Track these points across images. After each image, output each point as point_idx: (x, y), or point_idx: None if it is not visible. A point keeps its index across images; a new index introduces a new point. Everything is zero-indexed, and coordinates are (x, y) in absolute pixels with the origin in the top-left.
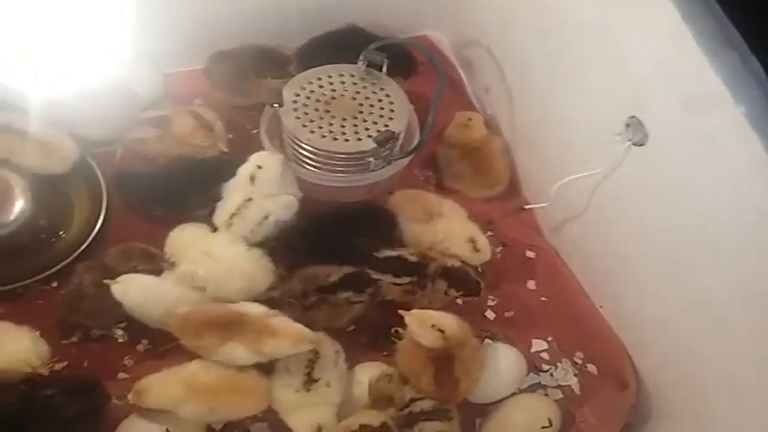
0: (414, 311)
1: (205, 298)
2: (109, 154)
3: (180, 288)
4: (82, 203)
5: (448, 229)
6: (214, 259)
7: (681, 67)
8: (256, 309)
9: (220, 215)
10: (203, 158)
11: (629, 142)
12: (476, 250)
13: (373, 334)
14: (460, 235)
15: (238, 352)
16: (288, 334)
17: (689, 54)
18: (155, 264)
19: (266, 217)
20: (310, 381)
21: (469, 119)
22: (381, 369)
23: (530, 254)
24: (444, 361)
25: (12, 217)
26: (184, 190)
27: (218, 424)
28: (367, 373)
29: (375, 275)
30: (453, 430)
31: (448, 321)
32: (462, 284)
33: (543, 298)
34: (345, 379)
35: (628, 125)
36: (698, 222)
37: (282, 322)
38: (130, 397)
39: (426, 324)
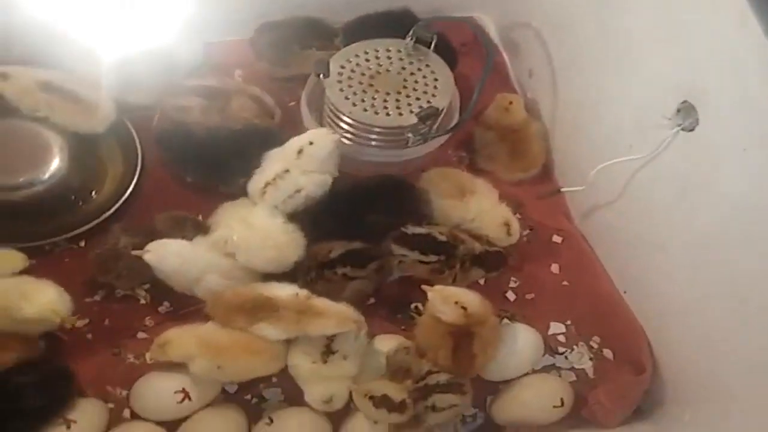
0: (437, 287)
1: (235, 266)
2: (147, 118)
3: (211, 255)
4: (115, 165)
5: (480, 208)
6: (249, 227)
7: (742, 54)
8: (289, 290)
9: (256, 183)
10: (242, 129)
11: (678, 127)
12: (509, 234)
13: (392, 309)
14: (493, 216)
15: (269, 331)
16: (333, 314)
17: (752, 42)
18: (201, 230)
19: (298, 191)
20: (328, 353)
21: (510, 102)
22: (399, 342)
23: (557, 239)
24: (463, 337)
25: (47, 174)
26: (220, 159)
27: (232, 387)
28: (386, 345)
29: (401, 251)
30: (465, 404)
31: (471, 298)
32: (490, 264)
33: (565, 282)
34: (363, 353)
35: (679, 110)
36: (737, 209)
37: (325, 302)
38: (151, 350)
39: (449, 300)
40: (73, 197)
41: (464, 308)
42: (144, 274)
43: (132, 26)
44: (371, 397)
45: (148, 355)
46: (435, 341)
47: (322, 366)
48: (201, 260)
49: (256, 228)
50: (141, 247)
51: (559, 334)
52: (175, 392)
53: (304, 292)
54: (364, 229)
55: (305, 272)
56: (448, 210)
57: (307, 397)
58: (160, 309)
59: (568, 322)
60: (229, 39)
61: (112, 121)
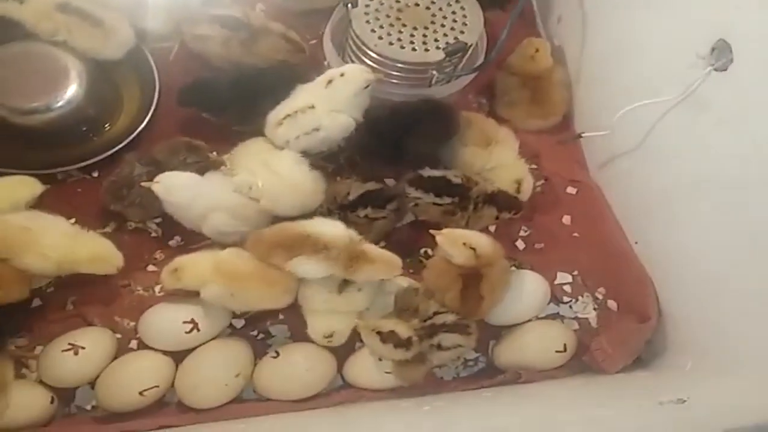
0: (446, 230)
1: (245, 206)
2: (167, 49)
3: (221, 191)
4: (132, 96)
5: (500, 160)
6: (275, 174)
7: None
8: (338, 230)
9: (276, 114)
10: (268, 68)
11: (711, 67)
12: (518, 192)
13: (402, 253)
14: (510, 171)
15: (309, 267)
16: (383, 261)
17: None
18: (201, 156)
19: (316, 130)
20: (345, 284)
21: (537, 49)
22: (408, 282)
23: (571, 190)
24: (472, 279)
25: (63, 101)
26: (240, 96)
27: (239, 322)
28: (395, 285)
29: (416, 193)
30: (470, 345)
31: (481, 240)
32: (505, 205)
33: (575, 234)
34: (374, 289)
35: (713, 49)
36: (761, 152)
37: (374, 249)
38: (162, 277)
39: (458, 242)
40: (87, 126)
41: (473, 249)
42: (156, 207)
43: None
44: (379, 332)
45: (157, 287)
46: (444, 283)
47: (336, 297)
48: (210, 196)
49: (282, 176)
50: (153, 177)
51: (565, 284)
52: (184, 322)
53: (356, 236)
54: (406, 152)
55: (326, 214)
56: (470, 157)
57: (310, 330)
58: (171, 243)
59: (575, 273)
60: None
61: (130, 47)
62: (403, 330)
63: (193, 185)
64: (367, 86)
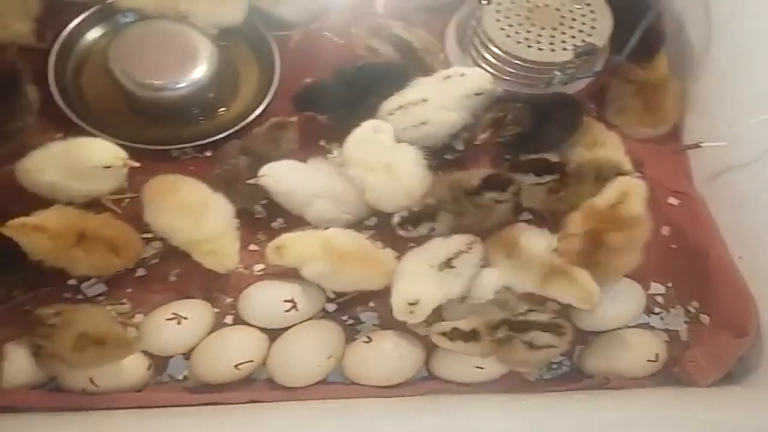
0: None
1: (347, 192)
2: (287, 38)
3: (325, 178)
4: (250, 81)
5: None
6: (390, 171)
7: None
8: (543, 242)
9: (389, 104)
10: (379, 63)
11: None
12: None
13: None
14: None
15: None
16: (581, 288)
17: None
18: (291, 133)
19: (424, 123)
20: (446, 265)
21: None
22: (506, 278)
23: (673, 201)
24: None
25: (189, 81)
26: (355, 94)
27: (331, 306)
28: (493, 277)
29: (517, 176)
30: (562, 346)
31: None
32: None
33: (672, 245)
34: (471, 281)
35: None
36: None
37: (581, 272)
38: (267, 253)
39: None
40: (205, 107)
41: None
42: (262, 193)
43: None
44: (443, 333)
45: (257, 267)
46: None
47: (436, 272)
48: (313, 183)
49: (396, 175)
50: (259, 165)
51: (657, 294)
52: (284, 301)
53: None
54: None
55: (451, 202)
56: (575, 156)
57: (394, 295)
58: (274, 224)
59: (669, 285)
60: None
61: (245, 13)
62: (464, 324)
63: (296, 173)
64: (480, 93)
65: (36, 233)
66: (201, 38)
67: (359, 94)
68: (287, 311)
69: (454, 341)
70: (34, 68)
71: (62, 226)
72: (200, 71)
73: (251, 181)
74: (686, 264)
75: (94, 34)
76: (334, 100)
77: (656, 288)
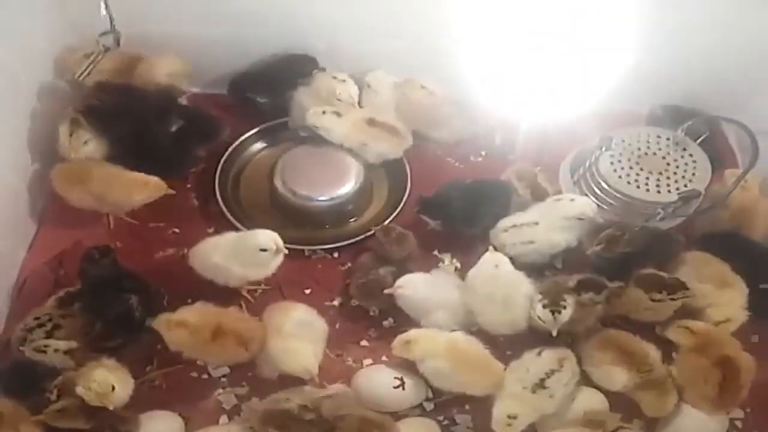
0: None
1: (462, 306)
2: (437, 160)
3: (449, 290)
4: (381, 195)
5: (727, 304)
6: (505, 302)
7: None
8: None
9: (504, 222)
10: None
11: None
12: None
13: None
14: (730, 318)
15: (620, 377)
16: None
17: None
18: (408, 246)
19: (531, 242)
20: (539, 386)
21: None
22: (600, 399)
23: (754, 338)
24: (728, 370)
25: (336, 196)
26: (470, 206)
27: (429, 405)
28: (586, 398)
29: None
30: None
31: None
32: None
33: None
34: (566, 400)
35: None
36: None
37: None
38: (395, 346)
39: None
40: (341, 217)
41: (692, 332)
42: (385, 298)
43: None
44: None
45: (366, 361)
46: (700, 375)
47: (528, 394)
48: (439, 295)
49: (511, 308)
50: (397, 275)
51: (737, 419)
52: (395, 377)
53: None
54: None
55: (552, 298)
56: (698, 292)
57: (495, 410)
58: (385, 323)
59: (748, 410)
60: None
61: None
62: None
63: (426, 286)
64: (582, 219)
65: (178, 329)
66: (353, 162)
67: (472, 206)
68: (396, 387)
69: None
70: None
71: (201, 322)
72: (346, 188)
73: (388, 291)
74: (766, 392)
75: (258, 145)
76: (452, 210)
77: (736, 412)
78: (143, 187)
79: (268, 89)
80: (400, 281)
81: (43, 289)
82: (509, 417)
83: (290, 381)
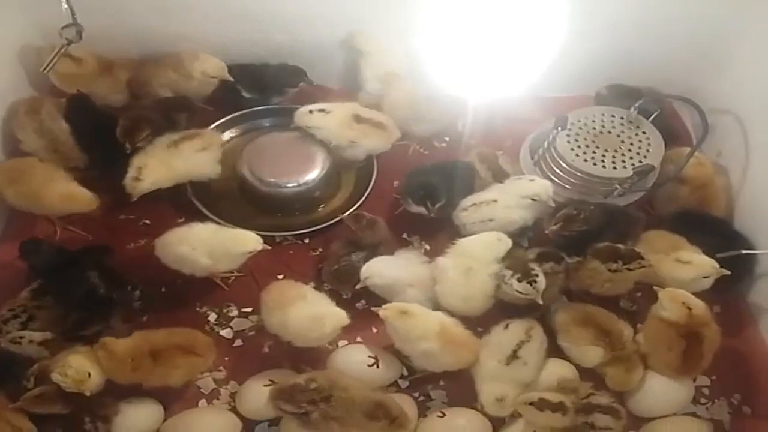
0: (668, 289)
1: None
2: (402, 146)
3: (416, 268)
4: (348, 183)
5: (683, 277)
6: (468, 274)
7: None
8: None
9: (466, 201)
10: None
11: None
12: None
13: None
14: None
15: (593, 354)
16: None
17: None
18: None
19: (490, 220)
20: (513, 357)
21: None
22: (569, 369)
23: (716, 309)
24: (692, 339)
25: (303, 182)
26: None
27: (404, 383)
28: (557, 367)
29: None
30: (617, 429)
31: (698, 301)
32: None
33: None
34: (540, 365)
35: None
36: None
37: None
38: (388, 315)
39: (677, 300)
40: (309, 203)
41: (689, 309)
42: (355, 280)
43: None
44: (531, 404)
45: (341, 342)
46: (664, 342)
47: (504, 367)
48: (407, 275)
49: (470, 279)
50: (368, 258)
51: (703, 386)
52: (369, 356)
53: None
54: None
55: (522, 271)
56: (656, 262)
57: (481, 396)
58: (357, 305)
59: (714, 377)
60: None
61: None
62: (553, 396)
63: (393, 269)
64: (535, 200)
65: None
66: (319, 149)
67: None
68: (370, 366)
69: (543, 411)
70: None
71: (135, 351)
72: (312, 175)
73: (359, 286)
74: (729, 360)
75: (227, 135)
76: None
77: (702, 380)
78: (70, 201)
79: (258, 87)
80: (363, 271)
81: (17, 282)
82: (497, 400)
83: (271, 364)
